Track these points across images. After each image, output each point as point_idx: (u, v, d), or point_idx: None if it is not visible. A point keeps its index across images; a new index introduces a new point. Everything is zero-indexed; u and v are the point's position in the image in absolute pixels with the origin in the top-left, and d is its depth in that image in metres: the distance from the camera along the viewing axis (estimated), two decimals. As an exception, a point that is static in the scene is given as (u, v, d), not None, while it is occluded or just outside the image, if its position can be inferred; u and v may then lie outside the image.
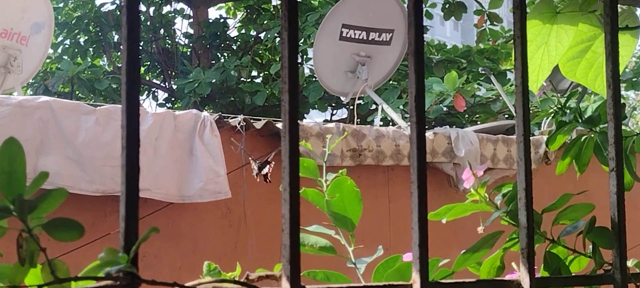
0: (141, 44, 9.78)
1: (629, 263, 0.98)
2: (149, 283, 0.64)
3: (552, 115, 1.10)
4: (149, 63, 9.73)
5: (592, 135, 1.04)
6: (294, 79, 0.73)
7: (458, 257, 0.93)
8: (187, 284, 0.67)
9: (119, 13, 9.23)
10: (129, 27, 0.67)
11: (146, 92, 9.78)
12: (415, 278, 0.77)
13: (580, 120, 1.02)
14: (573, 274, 1.01)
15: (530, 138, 5.08)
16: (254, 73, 9.25)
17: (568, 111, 1.03)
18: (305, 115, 8.90)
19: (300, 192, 1.13)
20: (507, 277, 0.87)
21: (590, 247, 0.98)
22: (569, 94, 1.05)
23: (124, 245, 0.65)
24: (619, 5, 1.23)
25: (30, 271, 0.61)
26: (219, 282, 0.66)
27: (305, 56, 8.62)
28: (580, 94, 1.29)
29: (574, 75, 1.30)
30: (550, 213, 1.03)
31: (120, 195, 0.66)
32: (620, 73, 0.94)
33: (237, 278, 0.76)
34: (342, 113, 9.49)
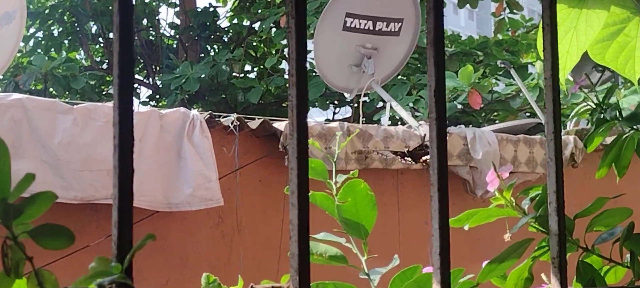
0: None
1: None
2: (145, 296, 0.64)
3: (583, 111, 1.11)
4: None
5: (632, 133, 1.05)
6: (302, 70, 0.74)
7: (483, 268, 0.94)
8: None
9: (96, 1, 9.24)
10: (121, 13, 0.67)
11: (128, 89, 9.78)
12: (436, 291, 0.77)
13: (618, 117, 1.03)
14: (609, 286, 1.01)
15: (571, 131, 5.04)
16: (248, 67, 9.26)
17: (609, 108, 1.04)
18: (304, 114, 8.90)
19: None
20: (536, 290, 0.88)
21: (628, 256, 0.98)
22: (610, 88, 1.06)
23: (117, 254, 0.65)
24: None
25: (15, 282, 0.62)
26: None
27: (304, 49, 8.63)
28: (611, 89, 1.28)
29: (602, 59, 1.31)
30: (584, 219, 1.03)
31: (113, 199, 0.66)
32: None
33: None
34: (346, 111, 9.50)
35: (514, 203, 1.01)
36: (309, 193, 1.13)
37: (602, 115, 1.04)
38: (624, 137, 1.06)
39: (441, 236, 0.79)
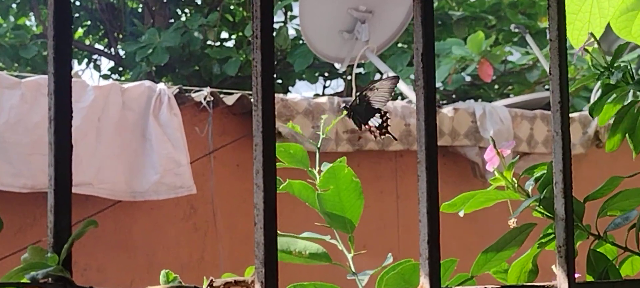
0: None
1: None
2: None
3: (589, 76, 1.10)
4: (89, 23, 9.70)
5: (647, 105, 1.05)
6: (267, 31, 0.74)
7: (478, 257, 0.94)
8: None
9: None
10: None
11: (86, 60, 9.76)
12: (424, 284, 0.78)
13: (630, 82, 1.03)
14: (624, 278, 1.02)
15: (578, 114, 5.09)
16: (224, 35, 9.24)
17: (616, 71, 1.03)
18: (290, 87, 8.90)
19: (284, 185, 1.14)
20: (543, 283, 0.88)
21: (646, 244, 0.99)
22: (619, 47, 1.05)
23: (54, 244, 0.65)
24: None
25: None
26: (174, 288, 0.67)
27: (289, 13, 8.61)
28: (620, 50, 1.26)
29: (629, 33, 1.30)
30: (596, 202, 1.04)
31: (48, 181, 0.66)
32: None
33: None
34: (338, 85, 9.49)
35: (516, 185, 1.01)
36: (286, 182, 1.14)
37: (607, 81, 1.04)
38: (638, 105, 1.06)
39: (430, 221, 0.80)
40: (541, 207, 0.98)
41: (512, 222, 1.03)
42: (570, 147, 0.87)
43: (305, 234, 1.15)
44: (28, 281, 0.63)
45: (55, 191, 0.65)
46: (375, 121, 1.34)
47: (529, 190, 1.02)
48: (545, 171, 0.98)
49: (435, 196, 0.80)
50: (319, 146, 1.26)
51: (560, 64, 0.87)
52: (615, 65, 1.06)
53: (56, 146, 0.66)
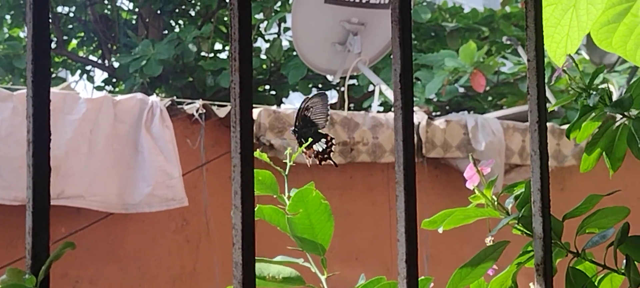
0: (72, 8, 9.69)
1: (674, 281, 1.00)
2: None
3: (566, 98, 1.12)
4: (82, 35, 9.70)
5: (624, 122, 1.05)
6: (245, 53, 0.74)
7: (454, 273, 0.95)
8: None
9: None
10: (35, -9, 0.68)
11: (79, 72, 9.76)
12: (402, 303, 0.78)
13: (608, 103, 1.04)
14: (603, 296, 1.02)
15: (566, 126, 5.10)
16: (218, 46, 9.24)
17: (593, 93, 1.04)
18: (283, 99, 8.91)
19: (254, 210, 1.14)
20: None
21: (624, 261, 0.99)
22: (597, 69, 1.06)
23: (32, 266, 0.66)
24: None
25: None
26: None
27: (283, 24, 8.63)
28: (597, 71, 1.27)
29: (609, 45, 1.31)
30: (574, 220, 1.04)
31: (27, 203, 0.67)
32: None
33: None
34: (331, 96, 9.50)
35: (496, 202, 1.02)
36: (257, 207, 1.14)
37: (586, 99, 1.05)
38: (617, 124, 1.07)
39: (407, 240, 0.81)
40: (520, 224, 0.99)
41: (489, 240, 1.03)
42: (547, 166, 0.88)
43: (278, 258, 1.15)
44: (5, 303, 0.63)
45: (33, 213, 0.66)
46: (319, 146, 1.33)
47: (509, 207, 1.03)
48: (523, 190, 0.99)
49: (413, 215, 0.81)
50: (286, 173, 1.24)
51: (538, 84, 0.88)
52: (593, 86, 1.08)
53: (34, 169, 0.66)
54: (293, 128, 1.34)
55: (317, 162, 1.33)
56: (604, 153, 1.08)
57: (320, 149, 1.33)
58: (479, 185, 1.03)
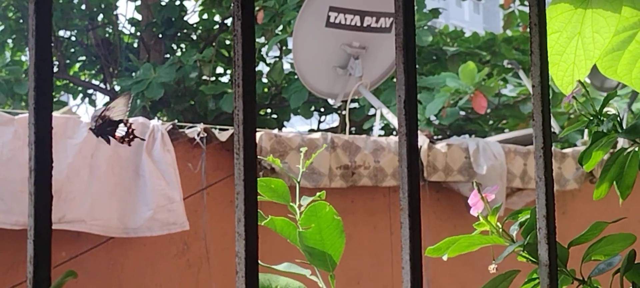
0: (74, 32, 9.72)
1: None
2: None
3: (577, 124, 1.11)
4: (84, 58, 9.73)
5: (637, 149, 1.04)
6: (249, 80, 0.74)
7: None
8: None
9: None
10: (37, 6, 0.67)
11: (81, 96, 9.78)
12: (407, 332, 0.78)
13: (620, 130, 1.03)
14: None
15: (572, 149, 5.10)
16: (219, 70, 9.26)
17: (605, 119, 1.03)
18: (285, 122, 8.92)
19: (266, 221, 1.15)
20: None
21: (631, 289, 0.99)
22: (608, 95, 1.05)
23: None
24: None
25: None
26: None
27: (284, 47, 8.64)
28: (608, 98, 1.27)
29: (614, 73, 1.29)
30: (580, 247, 1.04)
31: (28, 232, 0.66)
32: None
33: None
34: (333, 119, 9.51)
35: (501, 229, 1.02)
36: (267, 219, 1.14)
37: (596, 126, 1.04)
38: (627, 151, 1.06)
39: (412, 268, 0.80)
40: (525, 252, 0.98)
41: (492, 269, 1.03)
42: (553, 192, 0.87)
43: (283, 265, 1.14)
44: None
45: (35, 242, 0.65)
46: (121, 131, 1.39)
47: (514, 234, 1.02)
48: (528, 217, 0.99)
49: (418, 243, 0.80)
50: (299, 180, 1.25)
51: (543, 110, 0.88)
52: (603, 113, 1.07)
53: (36, 198, 0.66)
54: (90, 127, 1.41)
55: (127, 145, 1.40)
56: (614, 181, 1.07)
57: (123, 133, 1.39)
58: (483, 211, 1.02)
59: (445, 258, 1.02)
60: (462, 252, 1.02)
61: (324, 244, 1.09)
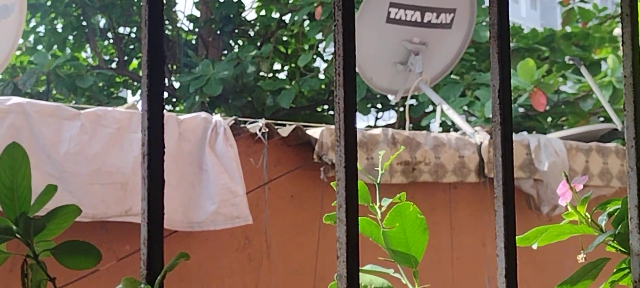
0: (134, 29, 9.81)
1: None
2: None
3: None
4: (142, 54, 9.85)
5: None
6: (350, 69, 0.76)
7: (554, 290, 0.95)
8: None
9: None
10: (150, 3, 0.70)
11: (139, 91, 9.89)
12: (502, 318, 0.79)
13: None
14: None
15: None
16: (277, 66, 9.31)
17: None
18: (342, 119, 8.92)
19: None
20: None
21: None
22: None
23: (147, 276, 0.68)
24: None
25: (36, 306, 0.64)
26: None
27: (341, 44, 8.63)
28: None
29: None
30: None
31: (141, 214, 0.69)
32: None
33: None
34: (390, 116, 9.50)
35: (590, 220, 1.02)
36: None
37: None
38: None
39: (507, 255, 0.81)
40: (615, 242, 0.98)
41: (581, 258, 1.03)
42: (645, 183, 0.87)
43: (368, 266, 1.16)
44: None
45: (149, 224, 0.68)
46: None
47: (603, 224, 1.03)
48: (620, 206, 0.99)
49: (513, 230, 0.81)
50: (378, 181, 1.26)
51: (635, 100, 0.88)
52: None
53: (149, 181, 0.68)
54: None
55: None
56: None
57: None
58: (572, 202, 1.03)
59: (534, 247, 1.03)
60: (551, 241, 1.02)
61: (408, 242, 1.11)
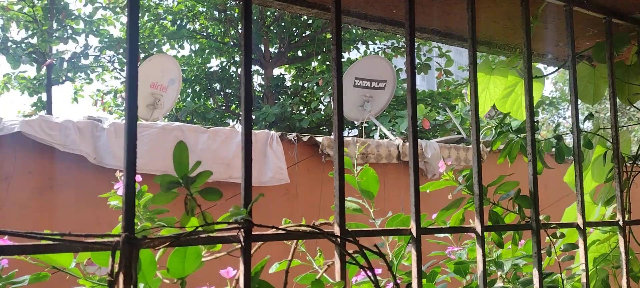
0: (235, 90, 9.65)
1: (541, 217, 0.98)
2: (259, 227, 0.67)
3: (487, 129, 1.11)
4: (237, 102, 9.83)
5: (518, 139, 1.05)
6: (340, 103, 0.75)
7: (438, 213, 0.95)
8: (282, 226, 0.70)
9: (221, 72, 9.33)
10: (245, 74, 0.70)
11: (237, 120, 9.86)
12: (413, 225, 0.78)
13: (510, 131, 1.03)
14: (507, 224, 1.01)
15: (482, 141, 4.95)
16: (301, 108, 9.29)
17: (503, 127, 1.04)
18: (332, 133, 8.88)
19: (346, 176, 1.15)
20: (466, 226, 0.88)
21: (517, 207, 0.98)
22: (504, 116, 1.06)
23: (244, 204, 0.67)
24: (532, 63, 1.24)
25: (191, 219, 0.64)
26: (299, 225, 0.69)
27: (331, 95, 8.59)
28: (504, 118, 1.28)
29: (504, 108, 1.29)
30: (492, 187, 1.03)
31: (241, 180, 0.69)
32: (534, 104, 0.95)
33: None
34: (355, 132, 9.46)
35: (454, 178, 1.02)
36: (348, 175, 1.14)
37: (500, 130, 1.04)
38: (513, 141, 1.06)
39: (415, 194, 0.81)
40: (466, 189, 0.98)
41: (450, 196, 1.03)
42: (480, 161, 0.87)
43: (349, 198, 1.15)
44: (233, 221, 0.65)
45: (245, 180, 0.68)
46: None
47: (460, 180, 1.03)
48: (468, 172, 0.99)
49: (417, 183, 0.80)
50: (356, 158, 1.25)
51: (476, 122, 0.87)
52: (504, 122, 1.07)
53: (245, 161, 0.68)
54: None
55: None
56: (507, 155, 1.07)
57: None
58: (445, 170, 1.02)
59: (428, 191, 1.01)
60: (437, 188, 1.01)
61: (369, 187, 1.10)
